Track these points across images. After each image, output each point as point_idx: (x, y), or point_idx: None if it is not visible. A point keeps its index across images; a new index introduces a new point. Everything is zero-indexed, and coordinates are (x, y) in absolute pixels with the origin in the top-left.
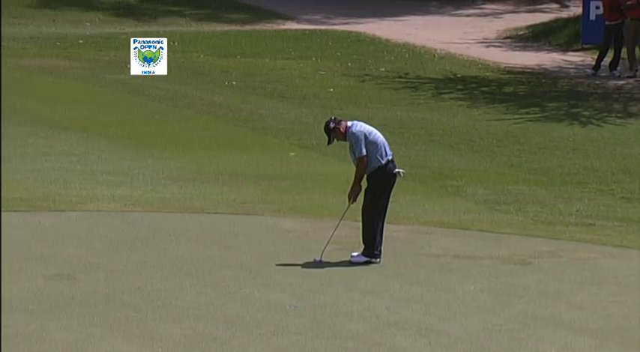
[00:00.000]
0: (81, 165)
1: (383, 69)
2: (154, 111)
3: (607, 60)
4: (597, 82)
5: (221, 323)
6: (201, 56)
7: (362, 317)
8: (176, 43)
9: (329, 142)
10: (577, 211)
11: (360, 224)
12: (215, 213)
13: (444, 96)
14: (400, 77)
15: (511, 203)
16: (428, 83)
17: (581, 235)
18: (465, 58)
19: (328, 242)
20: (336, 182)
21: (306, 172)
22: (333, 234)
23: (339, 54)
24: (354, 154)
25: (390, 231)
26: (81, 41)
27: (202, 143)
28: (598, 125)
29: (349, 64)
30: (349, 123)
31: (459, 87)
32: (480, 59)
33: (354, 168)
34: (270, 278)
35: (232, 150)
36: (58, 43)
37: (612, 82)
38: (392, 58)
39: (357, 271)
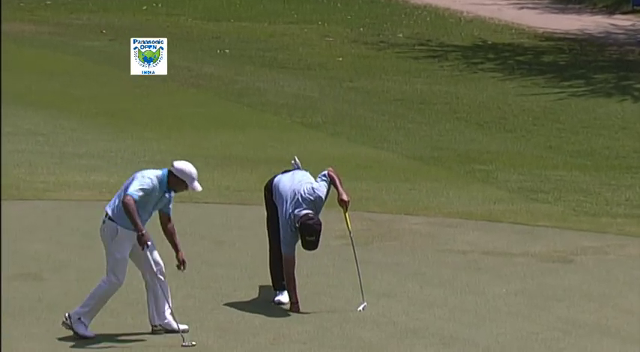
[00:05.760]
0: (49, 146)
1: (401, 35)
2: (134, 85)
3: None
4: None
5: (212, 330)
6: (189, 20)
7: (376, 324)
8: (160, 5)
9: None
10: (626, 200)
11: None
12: (205, 202)
13: (473, 66)
14: (421, 44)
15: (549, 191)
16: (453, 51)
17: (631, 228)
18: (497, 22)
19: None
20: (346, 166)
21: (310, 155)
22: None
23: (349, 17)
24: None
25: (409, 223)
26: (49, 2)
27: (190, 121)
28: None
29: (361, 29)
30: (301, 210)
31: (490, 56)
32: (513, 23)
33: (365, 152)
34: (269, 279)
35: (225, 130)
36: (21, 4)
37: None
38: (411, 22)
39: (370, 270)
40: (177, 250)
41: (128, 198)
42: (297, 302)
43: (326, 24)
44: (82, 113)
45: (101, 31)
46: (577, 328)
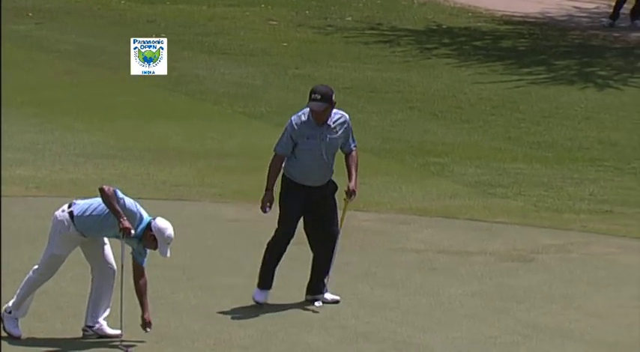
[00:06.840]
0: None
1: (349, 18)
2: (63, 72)
3: (628, 6)
4: (616, 35)
5: (148, 335)
6: (122, 2)
7: (323, 328)
8: None
9: (324, 121)
10: (590, 195)
11: (323, 253)
12: (140, 198)
13: (426, 52)
14: (371, 29)
15: (508, 185)
16: (406, 36)
17: (596, 225)
18: (452, 5)
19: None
20: None
21: (253, 148)
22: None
23: None
24: (346, 144)
25: (359, 220)
26: None
27: (123, 111)
28: (617, 88)
29: (307, 12)
30: None
31: (445, 41)
32: (470, 6)
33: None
34: (209, 280)
35: (161, 120)
36: None
37: (635, 34)
38: (360, 5)
39: None
40: (144, 310)
41: (110, 188)
42: (271, 190)
43: (269, 6)
44: (6, 103)
45: (27, 14)
46: (538, 332)
